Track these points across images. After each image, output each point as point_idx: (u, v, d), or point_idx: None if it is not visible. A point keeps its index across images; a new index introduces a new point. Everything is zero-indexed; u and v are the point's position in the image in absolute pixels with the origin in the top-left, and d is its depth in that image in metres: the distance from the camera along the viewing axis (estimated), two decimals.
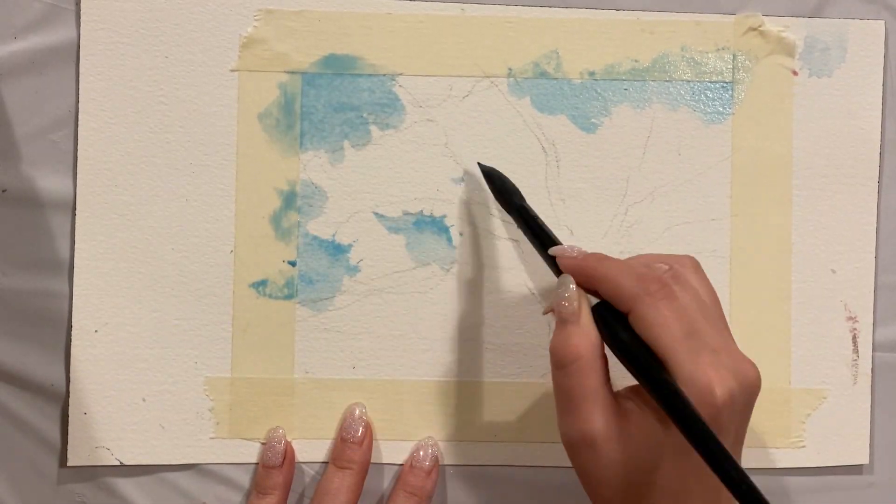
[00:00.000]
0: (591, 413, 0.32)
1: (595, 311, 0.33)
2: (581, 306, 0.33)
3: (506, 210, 0.40)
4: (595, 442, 0.32)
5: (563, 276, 0.34)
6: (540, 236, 0.37)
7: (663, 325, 0.31)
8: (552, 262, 0.35)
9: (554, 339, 0.33)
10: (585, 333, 0.33)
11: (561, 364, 0.33)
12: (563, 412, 0.33)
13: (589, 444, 0.32)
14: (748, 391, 0.31)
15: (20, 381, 0.41)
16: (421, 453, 0.41)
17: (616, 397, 0.33)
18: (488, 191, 0.42)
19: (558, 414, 0.33)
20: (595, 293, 0.34)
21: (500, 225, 0.42)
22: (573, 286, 0.34)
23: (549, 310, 0.35)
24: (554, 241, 0.36)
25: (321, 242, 0.42)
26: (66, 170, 0.41)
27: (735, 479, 0.28)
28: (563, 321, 0.33)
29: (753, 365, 0.32)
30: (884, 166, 0.43)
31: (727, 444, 0.31)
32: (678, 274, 0.33)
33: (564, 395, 0.33)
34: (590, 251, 0.35)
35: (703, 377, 0.30)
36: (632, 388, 0.34)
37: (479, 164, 0.41)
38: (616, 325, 0.33)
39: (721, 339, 0.32)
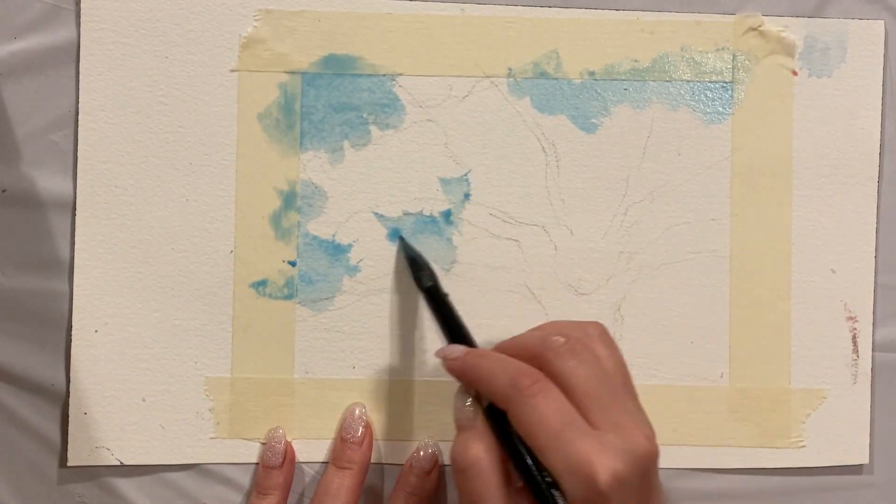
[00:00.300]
0: None
1: (489, 410, 0.33)
2: (476, 411, 0.33)
3: (417, 287, 0.40)
4: None
5: (460, 387, 0.35)
6: (450, 326, 0.37)
7: (537, 422, 0.31)
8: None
9: (454, 445, 0.33)
10: (480, 438, 0.33)
11: (458, 469, 0.33)
12: None
13: None
14: (640, 465, 0.31)
15: (20, 381, 0.41)
16: (421, 453, 0.41)
17: (517, 495, 0.32)
18: (486, 190, 0.42)
19: None
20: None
21: (501, 224, 0.42)
22: (469, 398, 0.34)
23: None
24: (459, 334, 0.37)
25: (321, 242, 0.42)
26: (66, 170, 0.41)
27: None
28: (459, 427, 0.34)
29: (647, 434, 0.31)
30: (883, 166, 0.43)
31: None
32: (574, 346, 0.33)
33: (464, 497, 0.33)
34: (479, 345, 0.35)
35: (582, 466, 0.29)
36: None
37: (400, 237, 0.42)
38: (504, 425, 0.32)
39: (612, 414, 0.31)
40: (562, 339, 0.33)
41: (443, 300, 0.38)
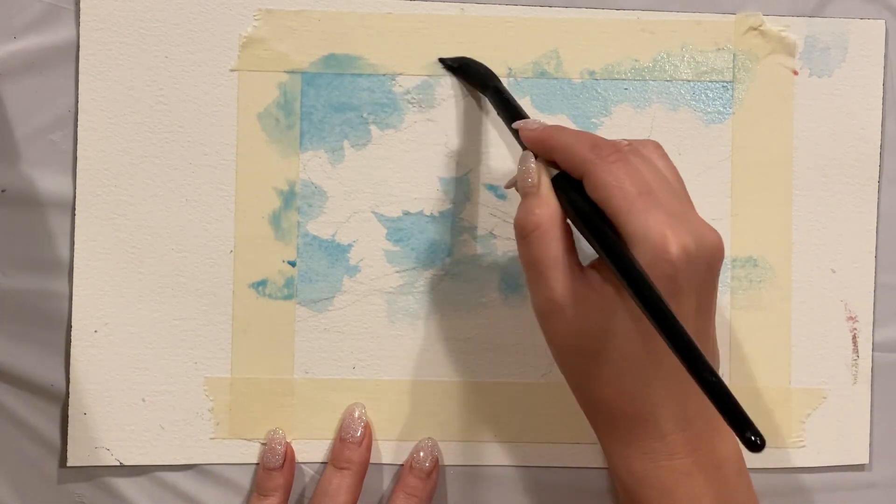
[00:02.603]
0: (553, 280, 0.32)
1: (555, 181, 0.34)
2: (541, 178, 0.34)
3: (480, 92, 0.41)
4: (557, 308, 0.32)
5: (524, 151, 0.35)
6: (510, 111, 0.38)
7: (615, 185, 0.31)
8: (515, 136, 0.36)
9: (517, 213, 0.34)
10: (545, 203, 0.33)
11: (522, 234, 0.33)
12: (529, 282, 0.34)
13: (552, 311, 0.33)
14: (708, 252, 0.31)
15: (20, 381, 0.41)
16: (421, 454, 0.41)
17: (581, 266, 0.33)
18: (487, 190, 0.42)
19: (527, 285, 0.34)
20: (554, 164, 0.34)
21: (501, 224, 0.42)
22: (532, 159, 0.34)
23: (512, 184, 0.35)
24: (521, 116, 0.37)
25: (321, 242, 0.42)
26: (66, 170, 0.41)
27: (681, 343, 0.27)
28: (524, 194, 0.34)
29: (715, 231, 0.32)
30: (884, 166, 0.43)
31: (689, 305, 0.31)
32: (637, 149, 0.34)
33: (528, 264, 0.33)
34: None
35: (655, 233, 0.30)
36: (599, 258, 0.33)
37: (440, 59, 0.42)
38: (572, 192, 0.33)
39: (679, 205, 0.32)
40: (625, 142, 0.34)
41: (506, 98, 0.39)
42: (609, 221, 0.31)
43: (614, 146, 0.33)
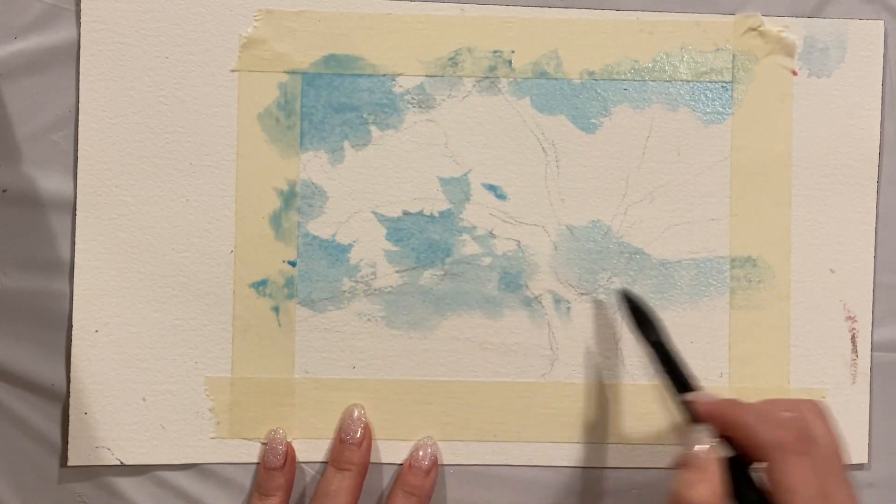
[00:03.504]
0: None
1: (726, 463, 0.33)
2: (715, 454, 0.33)
3: (642, 342, 0.39)
4: None
5: (695, 425, 0.34)
6: (676, 378, 0.37)
7: (797, 488, 0.31)
8: (684, 406, 0.36)
9: (678, 482, 0.33)
10: (710, 483, 0.32)
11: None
12: None
13: None
14: None
15: (20, 381, 0.41)
16: (420, 453, 0.41)
17: None
18: (487, 190, 0.42)
19: None
20: (727, 440, 0.34)
21: (501, 224, 0.42)
22: (709, 436, 0.34)
23: (681, 464, 0.34)
24: (691, 385, 0.36)
25: (321, 242, 0.42)
26: (67, 170, 0.42)
27: None
28: (690, 464, 0.33)
29: None
30: (883, 166, 0.43)
31: None
32: (808, 424, 0.33)
33: None
34: (725, 397, 0.35)
35: None
36: None
37: (622, 290, 0.41)
38: (745, 483, 0.32)
39: (845, 498, 0.32)
40: (789, 414, 0.33)
41: (672, 353, 0.38)
42: None
43: (794, 431, 0.32)
